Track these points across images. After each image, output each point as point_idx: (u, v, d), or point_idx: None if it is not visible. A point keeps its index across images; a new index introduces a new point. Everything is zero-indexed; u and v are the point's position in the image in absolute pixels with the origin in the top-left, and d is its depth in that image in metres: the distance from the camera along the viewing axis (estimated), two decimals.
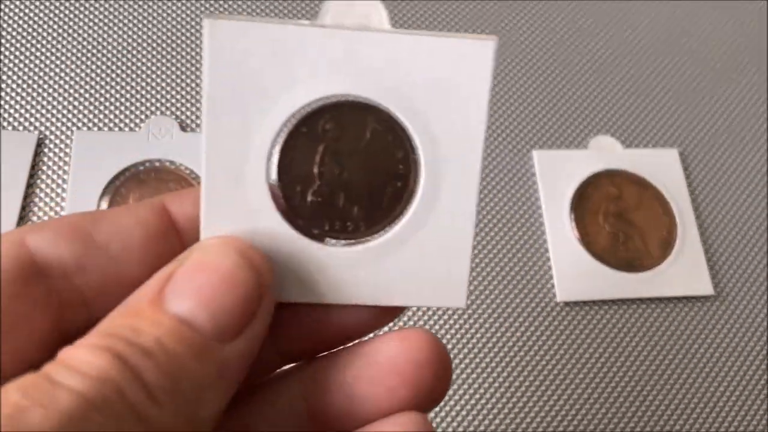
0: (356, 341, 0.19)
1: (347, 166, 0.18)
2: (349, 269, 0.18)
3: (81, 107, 0.43)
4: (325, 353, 0.19)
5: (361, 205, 0.18)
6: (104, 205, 0.40)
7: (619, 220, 0.44)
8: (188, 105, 0.44)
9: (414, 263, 0.18)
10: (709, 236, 0.45)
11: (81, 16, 0.45)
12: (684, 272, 0.43)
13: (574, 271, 0.42)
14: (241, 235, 0.17)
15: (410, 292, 0.18)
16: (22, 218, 0.39)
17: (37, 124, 0.42)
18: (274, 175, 0.17)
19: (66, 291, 0.16)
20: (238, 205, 0.17)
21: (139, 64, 0.45)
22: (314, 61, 0.17)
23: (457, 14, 0.50)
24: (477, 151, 0.18)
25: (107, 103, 0.43)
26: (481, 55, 0.17)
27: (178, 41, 0.46)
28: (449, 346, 0.39)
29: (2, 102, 0.42)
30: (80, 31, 0.45)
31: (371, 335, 0.19)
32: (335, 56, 0.17)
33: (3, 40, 0.44)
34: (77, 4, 0.46)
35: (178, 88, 0.44)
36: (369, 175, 0.18)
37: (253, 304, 0.16)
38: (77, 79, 0.43)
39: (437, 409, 0.38)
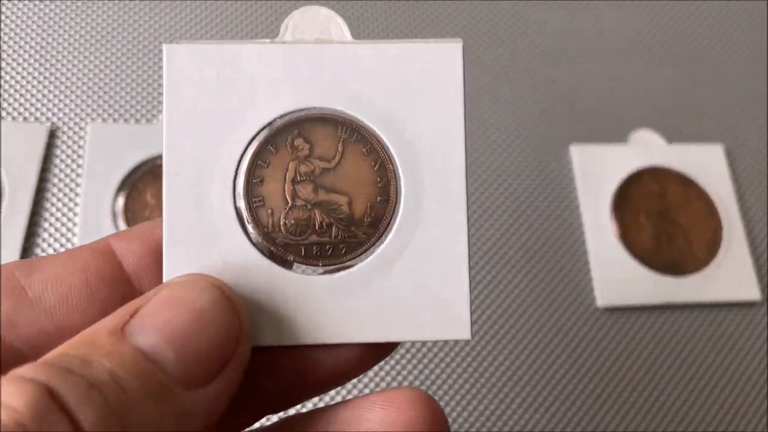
0: (336, 402, 0.16)
1: (321, 183, 0.16)
2: (331, 301, 0.16)
3: (95, 97, 0.40)
4: (301, 415, 0.17)
5: (340, 224, 0.16)
6: (121, 200, 0.37)
7: (662, 219, 0.41)
8: None
9: (404, 288, 0.16)
10: (756, 237, 0.43)
11: (95, 1, 0.43)
12: (730, 276, 0.41)
13: (614, 274, 0.40)
14: (210, 269, 0.15)
15: (404, 324, 0.16)
16: (34, 214, 0.37)
17: (49, 114, 0.39)
18: (241, 199, 0.16)
19: None
20: (203, 234, 0.16)
21: (156, 51, 0.42)
22: (277, 78, 0.16)
23: (481, 13, 0.47)
24: (459, 151, 0.16)
25: (123, 93, 0.40)
26: (450, 58, 0.17)
27: (197, 27, 0.43)
28: (479, 355, 0.37)
29: (13, 91, 0.40)
30: (94, 16, 0.42)
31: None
32: (299, 71, 0.16)
33: (14, 26, 0.41)
34: None
35: None
36: (346, 192, 0.16)
37: (228, 350, 0.14)
38: (91, 67, 0.41)
39: (468, 414, 0.36)
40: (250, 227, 0.16)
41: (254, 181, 0.16)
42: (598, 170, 0.42)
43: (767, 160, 0.45)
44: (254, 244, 0.16)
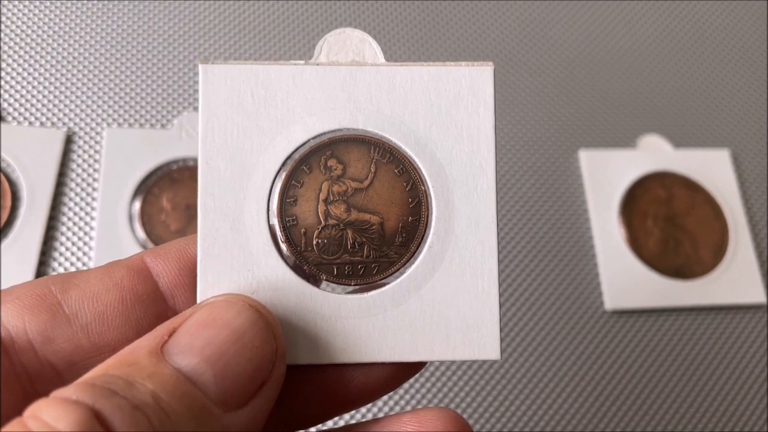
0: (366, 420, 0.16)
1: (353, 203, 0.16)
2: (363, 320, 0.16)
3: (111, 102, 0.40)
4: (330, 431, 0.17)
5: (372, 244, 0.16)
6: (137, 204, 0.38)
7: (669, 224, 0.42)
8: None
9: (435, 309, 0.16)
10: (762, 241, 0.43)
11: (111, 7, 0.43)
12: (736, 280, 0.41)
13: (622, 277, 0.40)
14: (244, 288, 0.16)
15: (434, 344, 0.16)
16: (52, 218, 0.37)
17: (66, 120, 0.40)
18: (275, 218, 0.16)
19: (34, 365, 0.15)
20: (237, 253, 0.16)
21: (170, 57, 0.42)
22: (312, 98, 0.16)
23: (491, 17, 0.48)
24: (489, 175, 0.17)
25: (138, 98, 0.41)
26: (480, 81, 0.17)
27: (211, 32, 0.43)
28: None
29: (30, 97, 0.40)
30: (109, 22, 0.43)
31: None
32: (333, 92, 0.16)
33: (31, 32, 0.42)
34: None
35: None
36: (378, 212, 0.16)
37: (265, 371, 0.14)
38: (107, 72, 0.41)
39: (477, 416, 0.36)
40: (283, 246, 0.16)
41: (288, 200, 0.16)
42: (607, 175, 0.43)
43: None
44: (287, 264, 0.16)
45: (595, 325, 0.39)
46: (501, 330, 0.17)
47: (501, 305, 0.17)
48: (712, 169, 0.44)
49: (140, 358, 0.13)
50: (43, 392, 0.15)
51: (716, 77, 0.48)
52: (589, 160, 0.43)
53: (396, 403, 0.36)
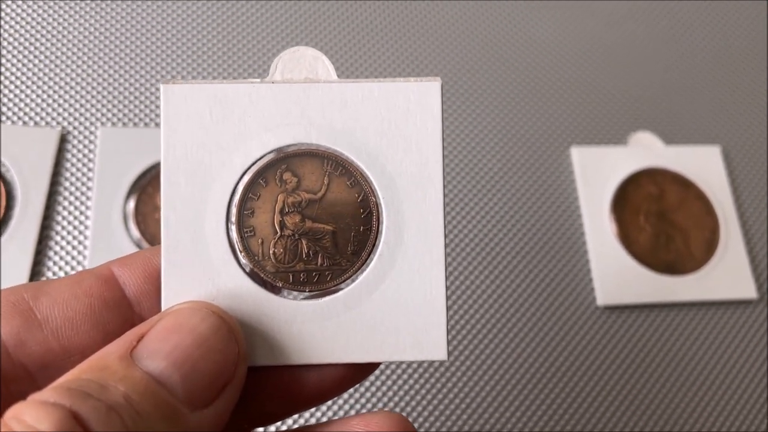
0: (315, 423, 0.17)
1: (308, 214, 0.17)
2: (317, 324, 0.17)
3: (105, 101, 0.40)
4: None
5: (325, 253, 0.17)
6: (131, 203, 0.38)
7: (660, 220, 0.42)
8: None
9: (385, 313, 0.17)
10: (752, 236, 0.43)
11: (104, 6, 0.43)
12: (727, 275, 0.41)
13: (614, 274, 0.40)
14: (205, 296, 0.16)
15: (384, 346, 0.17)
16: (46, 218, 0.37)
17: (60, 119, 0.39)
18: (234, 230, 0.17)
19: (7, 368, 0.16)
20: (199, 263, 0.17)
21: (163, 56, 0.42)
22: (267, 115, 0.17)
23: (484, 15, 0.48)
24: (437, 185, 0.17)
25: (132, 97, 0.40)
26: (428, 96, 0.17)
27: (204, 32, 0.43)
28: (482, 353, 0.37)
29: (24, 96, 0.40)
30: (103, 21, 0.42)
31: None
32: (287, 109, 0.17)
33: (25, 31, 0.41)
34: None
35: None
36: (331, 222, 0.17)
37: (228, 372, 0.15)
38: (101, 72, 0.41)
39: (470, 412, 0.36)
40: (241, 256, 0.17)
41: (245, 212, 0.17)
42: (598, 171, 0.42)
43: (765, 160, 0.46)
44: (246, 272, 0.17)
45: (587, 321, 0.39)
46: (449, 332, 0.17)
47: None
48: (704, 166, 0.44)
49: (111, 362, 0.14)
50: (17, 394, 0.15)
51: (707, 74, 0.48)
52: (580, 156, 0.43)
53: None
